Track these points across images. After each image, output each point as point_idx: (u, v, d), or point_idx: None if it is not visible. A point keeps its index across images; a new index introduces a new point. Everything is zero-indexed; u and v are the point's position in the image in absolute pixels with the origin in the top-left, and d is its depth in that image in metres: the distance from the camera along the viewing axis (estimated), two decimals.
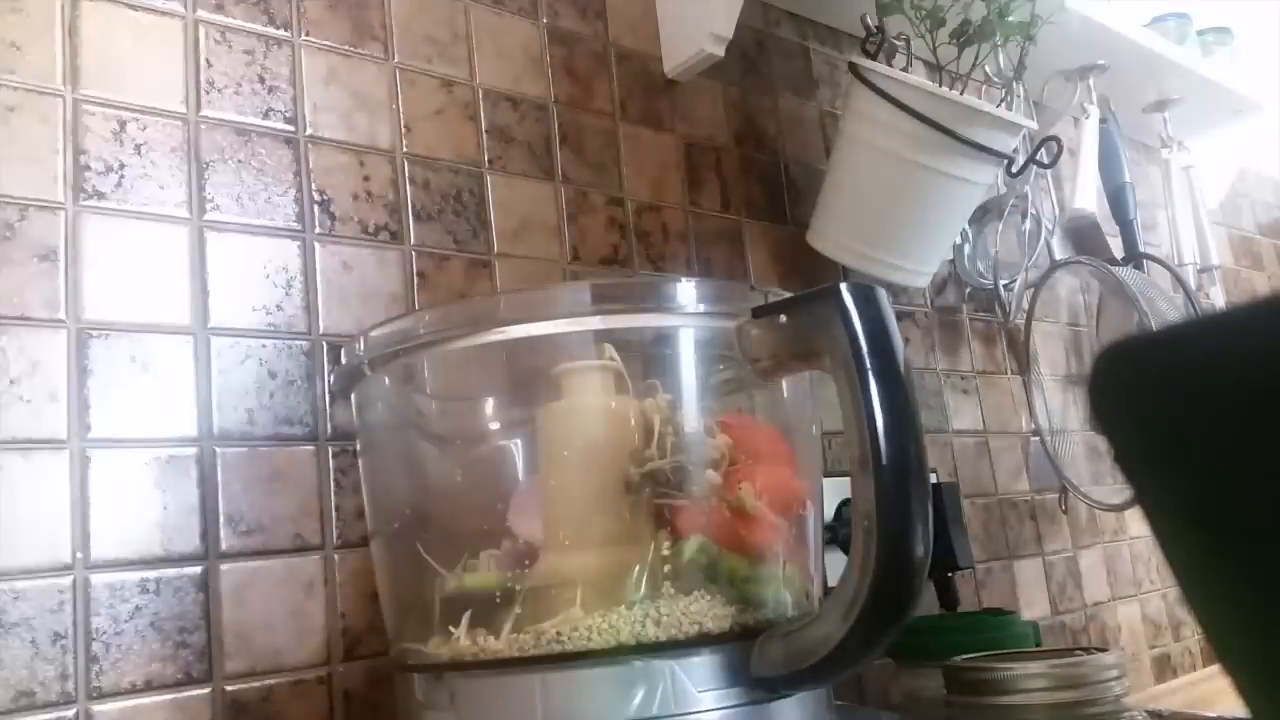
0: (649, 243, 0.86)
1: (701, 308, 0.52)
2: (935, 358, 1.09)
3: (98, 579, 0.55)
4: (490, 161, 0.78)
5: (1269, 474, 0.19)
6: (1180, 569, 0.22)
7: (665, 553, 0.48)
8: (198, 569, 0.58)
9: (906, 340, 1.05)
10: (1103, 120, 1.22)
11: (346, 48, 0.73)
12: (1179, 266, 1.29)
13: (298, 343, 0.65)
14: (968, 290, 1.15)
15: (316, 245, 0.68)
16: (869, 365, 0.45)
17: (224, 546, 0.60)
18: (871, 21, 0.91)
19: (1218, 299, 1.35)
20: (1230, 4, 1.50)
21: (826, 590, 0.51)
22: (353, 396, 0.62)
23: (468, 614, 0.49)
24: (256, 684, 0.59)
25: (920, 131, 0.84)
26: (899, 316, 1.07)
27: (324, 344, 0.66)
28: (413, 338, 0.53)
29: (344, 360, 0.63)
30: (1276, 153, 1.69)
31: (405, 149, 0.74)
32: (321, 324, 0.66)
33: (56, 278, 0.57)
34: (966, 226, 1.11)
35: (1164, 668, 1.24)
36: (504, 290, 0.76)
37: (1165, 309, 1.09)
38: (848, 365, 0.45)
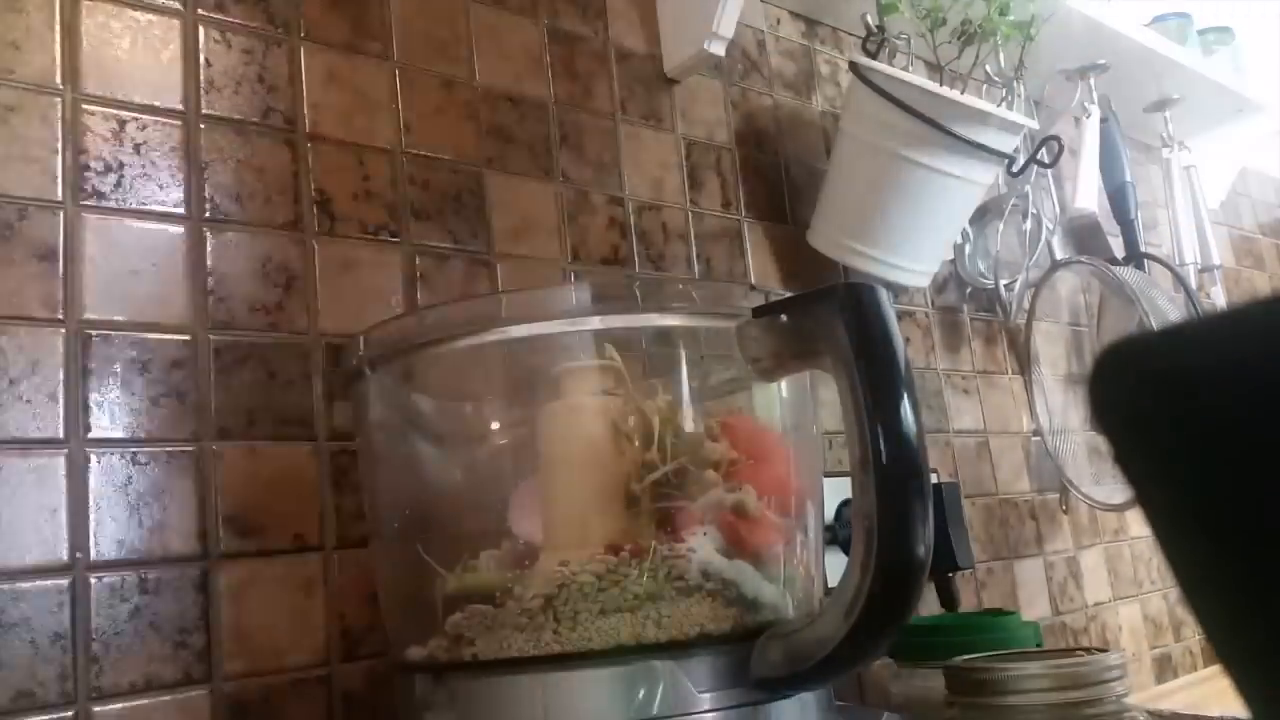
0: (649, 243, 0.86)
1: (701, 308, 0.52)
2: (936, 358, 1.09)
3: (97, 579, 0.55)
4: (490, 161, 0.78)
5: (1269, 475, 0.19)
6: (1180, 569, 0.22)
7: (667, 553, 0.48)
8: (197, 569, 0.58)
9: (907, 340, 1.05)
10: (1103, 120, 1.21)
11: (346, 47, 0.73)
12: (1180, 266, 1.29)
13: (298, 343, 0.65)
14: (968, 290, 1.15)
15: (316, 245, 0.68)
16: (869, 365, 0.44)
17: (224, 546, 0.60)
18: (872, 21, 0.91)
19: (1219, 299, 1.35)
20: (1231, 4, 1.50)
21: (826, 590, 0.51)
22: (353, 396, 0.62)
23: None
24: (256, 684, 0.59)
25: (921, 131, 0.84)
26: (899, 316, 1.06)
27: (324, 344, 0.66)
28: (413, 338, 0.53)
29: (344, 360, 0.63)
30: (1277, 153, 1.69)
31: (405, 148, 0.74)
32: (321, 324, 0.66)
33: (56, 277, 0.57)
34: (967, 226, 1.11)
35: (1165, 668, 1.24)
36: (504, 290, 0.76)
37: (1166, 309, 1.09)
38: (848, 365, 0.45)
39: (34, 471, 0.55)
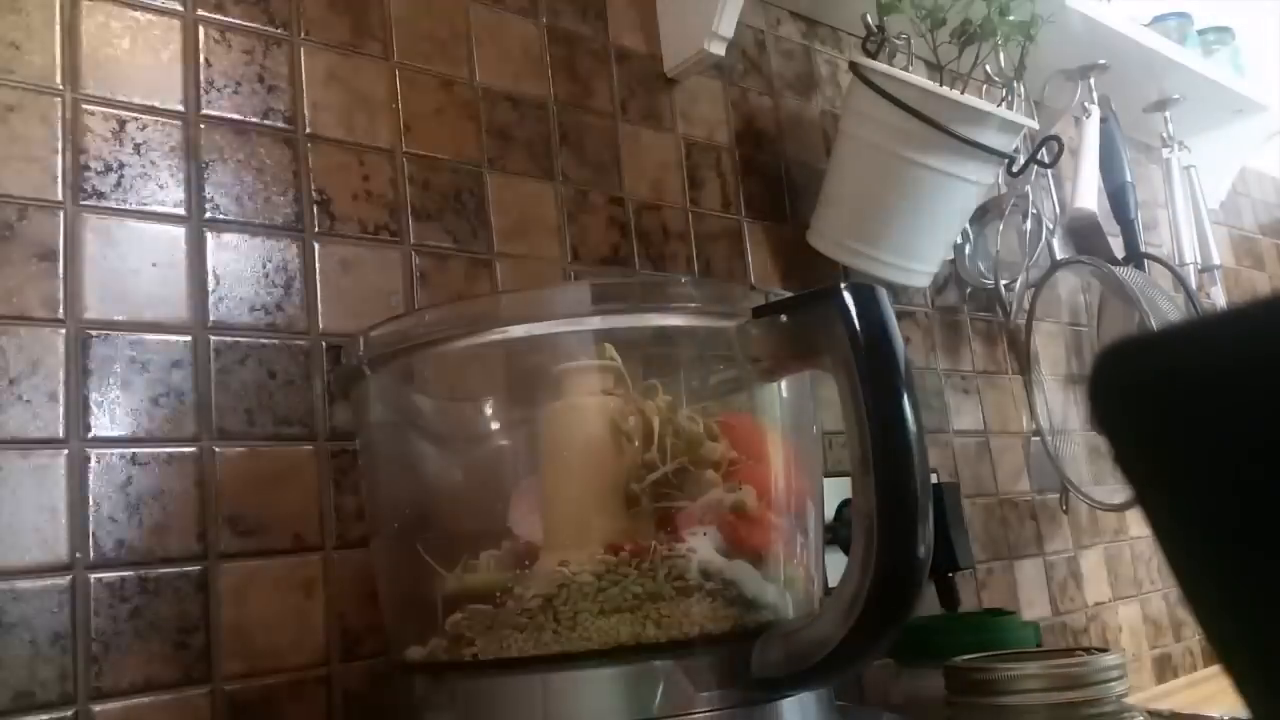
0: (649, 243, 0.86)
1: (701, 308, 0.52)
2: (936, 358, 1.09)
3: (97, 579, 0.55)
4: (490, 161, 0.78)
5: (1269, 475, 0.19)
6: (1181, 570, 0.22)
7: (667, 553, 0.48)
8: (197, 569, 0.58)
9: (907, 340, 1.05)
10: (1103, 120, 1.21)
11: (346, 47, 0.73)
12: (1180, 266, 1.29)
13: (297, 343, 0.65)
14: (968, 290, 1.15)
15: (316, 245, 0.68)
16: (869, 365, 0.45)
17: (224, 546, 0.59)
18: (872, 21, 0.91)
19: (1219, 299, 1.35)
20: (1230, 4, 1.50)
21: (826, 590, 0.51)
22: (352, 396, 0.62)
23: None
24: (256, 684, 0.59)
25: (921, 131, 0.84)
26: (899, 316, 1.06)
27: (324, 344, 0.66)
28: (413, 338, 0.53)
29: (344, 360, 0.63)
30: (1276, 153, 1.69)
31: (405, 148, 0.74)
32: (321, 324, 0.66)
33: (56, 277, 0.57)
34: (967, 226, 1.11)
35: (1165, 668, 1.24)
36: (504, 290, 0.76)
37: (1166, 309, 1.09)
38: (848, 365, 0.45)
39: (34, 471, 0.54)
